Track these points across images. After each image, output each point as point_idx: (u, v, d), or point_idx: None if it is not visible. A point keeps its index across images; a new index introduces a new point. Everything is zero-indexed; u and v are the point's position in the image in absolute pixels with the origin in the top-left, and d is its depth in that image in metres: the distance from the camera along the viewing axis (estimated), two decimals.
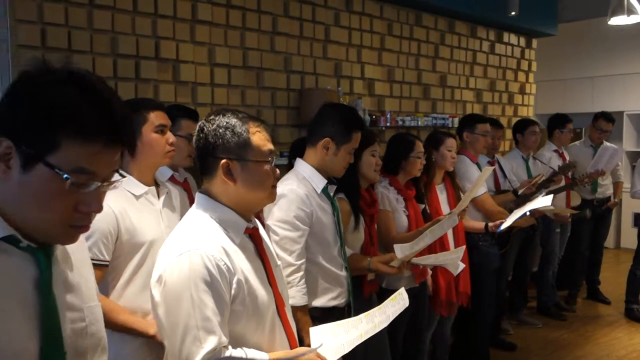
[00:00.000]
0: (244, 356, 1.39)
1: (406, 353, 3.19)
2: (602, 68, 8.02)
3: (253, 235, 1.56)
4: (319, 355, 1.48)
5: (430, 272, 3.18)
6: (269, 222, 2.23)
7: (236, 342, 1.42)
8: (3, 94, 0.97)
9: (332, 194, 2.38)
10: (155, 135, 2.05)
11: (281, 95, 4.37)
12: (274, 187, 1.55)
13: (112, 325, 1.92)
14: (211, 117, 1.50)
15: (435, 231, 2.48)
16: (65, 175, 0.93)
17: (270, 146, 1.52)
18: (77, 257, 1.12)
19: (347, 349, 1.53)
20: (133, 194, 2.04)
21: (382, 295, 2.74)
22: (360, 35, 4.94)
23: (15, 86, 0.95)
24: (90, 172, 0.95)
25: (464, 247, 2.65)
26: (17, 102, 0.94)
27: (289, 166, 2.80)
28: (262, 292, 1.49)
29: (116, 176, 1.02)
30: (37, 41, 3.18)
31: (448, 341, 3.71)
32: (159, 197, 2.12)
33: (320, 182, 2.30)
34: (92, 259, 1.90)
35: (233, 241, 1.47)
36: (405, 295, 1.76)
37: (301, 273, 2.20)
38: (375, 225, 2.86)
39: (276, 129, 4.33)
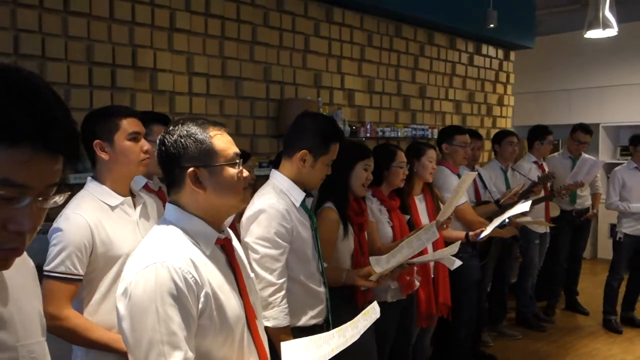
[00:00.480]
0: None
1: None
2: (578, 81, 8.14)
3: (225, 246, 1.52)
4: None
5: (417, 284, 3.14)
6: (247, 239, 2.12)
7: (203, 358, 1.38)
8: None
9: (309, 206, 2.31)
10: (129, 143, 1.98)
11: (260, 105, 4.33)
12: (246, 189, 1.52)
13: (87, 342, 1.87)
14: (170, 129, 1.48)
15: (412, 242, 2.39)
16: None
17: (234, 149, 1.50)
18: (17, 286, 0.99)
19: None
20: (108, 205, 1.98)
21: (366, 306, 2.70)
22: (340, 45, 4.94)
23: None
24: (18, 184, 0.80)
25: (459, 241, 2.58)
26: None
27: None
28: (232, 304, 1.45)
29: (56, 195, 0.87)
30: (10, 48, 3.11)
31: (428, 352, 3.68)
32: (135, 207, 2.06)
33: (298, 195, 2.21)
34: (65, 273, 1.86)
35: (203, 253, 1.44)
36: (377, 309, 1.72)
37: (283, 292, 2.10)
38: (365, 234, 2.82)
39: (255, 139, 4.28)
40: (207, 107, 4.01)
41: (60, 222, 1.91)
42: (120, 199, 2.00)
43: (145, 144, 2.02)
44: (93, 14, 3.41)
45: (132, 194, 2.10)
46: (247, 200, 1.55)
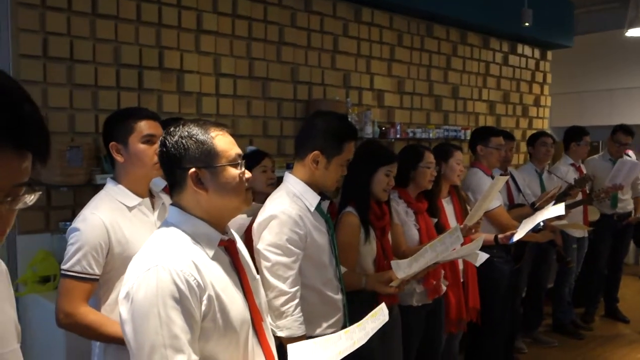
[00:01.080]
0: None
1: None
2: (619, 80, 7.85)
3: (229, 248, 1.49)
4: None
5: (444, 288, 3.04)
6: (259, 246, 2.06)
7: None
8: None
9: (325, 209, 2.22)
10: (143, 145, 1.97)
11: (288, 106, 4.30)
12: (249, 190, 1.49)
13: (103, 337, 1.88)
14: (171, 130, 1.46)
15: (435, 246, 2.28)
16: None
17: (236, 149, 1.47)
18: None
19: None
20: (126, 206, 1.98)
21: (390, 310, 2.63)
22: (370, 45, 4.87)
23: None
24: None
25: (483, 236, 2.47)
26: None
27: None
28: (236, 306, 1.42)
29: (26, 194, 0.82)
30: (39, 50, 3.15)
31: (457, 357, 3.57)
32: (153, 208, 2.05)
33: (313, 199, 2.13)
34: (81, 273, 1.87)
35: (206, 255, 1.41)
36: (386, 311, 1.65)
37: (296, 301, 2.02)
38: (389, 238, 2.74)
39: (282, 140, 4.26)
40: (234, 108, 4.00)
41: (77, 222, 1.93)
42: (137, 199, 2.00)
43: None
44: (120, 16, 3.44)
45: (152, 195, 2.09)
46: (249, 201, 1.51)
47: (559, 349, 4.64)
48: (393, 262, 2.25)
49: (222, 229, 1.49)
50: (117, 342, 1.85)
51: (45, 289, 2.89)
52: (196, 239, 1.42)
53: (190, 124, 1.46)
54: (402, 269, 2.22)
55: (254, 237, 2.10)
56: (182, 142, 1.42)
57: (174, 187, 1.47)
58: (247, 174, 1.48)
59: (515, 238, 3.10)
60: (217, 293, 1.38)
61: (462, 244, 2.38)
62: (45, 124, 0.82)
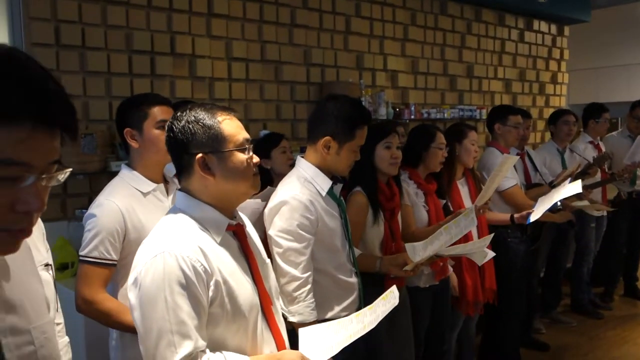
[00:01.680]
0: None
1: (428, 354, 3.07)
2: (638, 55, 7.69)
3: (237, 232, 1.49)
4: (303, 358, 1.41)
5: (451, 269, 3.03)
6: (270, 232, 2.06)
7: (216, 346, 1.36)
8: None
9: (338, 193, 2.21)
10: (157, 131, 1.98)
11: (301, 89, 4.27)
12: (256, 175, 1.48)
13: (120, 325, 1.90)
14: (178, 114, 1.45)
15: (450, 229, 2.26)
16: None
17: (244, 134, 1.46)
18: (20, 267, 0.97)
19: (335, 351, 1.44)
20: (140, 191, 2.00)
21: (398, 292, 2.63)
22: (383, 25, 4.81)
23: None
24: (20, 162, 0.78)
25: (492, 235, 2.44)
26: None
27: None
28: (245, 291, 1.43)
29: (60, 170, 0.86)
30: (51, 39, 3.16)
31: (473, 339, 3.57)
32: (168, 194, 2.06)
33: (325, 183, 2.11)
34: (99, 258, 1.89)
35: (214, 240, 1.41)
36: (397, 294, 1.63)
37: (308, 287, 2.02)
38: (398, 220, 2.72)
39: (296, 123, 4.24)
40: (246, 92, 3.99)
41: (93, 208, 1.95)
42: (152, 185, 2.02)
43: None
44: (131, 2, 3.43)
45: (166, 181, 2.10)
46: (257, 186, 1.50)
47: (577, 329, 4.62)
48: (408, 246, 2.22)
49: (231, 213, 1.49)
50: (134, 331, 1.88)
51: (63, 277, 2.92)
52: (204, 224, 1.42)
53: (197, 108, 1.45)
54: (418, 252, 2.20)
55: (266, 223, 2.11)
56: (189, 127, 1.42)
57: (181, 173, 1.47)
58: (255, 159, 1.47)
59: (533, 218, 3.05)
60: (224, 278, 1.38)
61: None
62: (72, 101, 0.84)
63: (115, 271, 1.95)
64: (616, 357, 4.08)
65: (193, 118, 1.42)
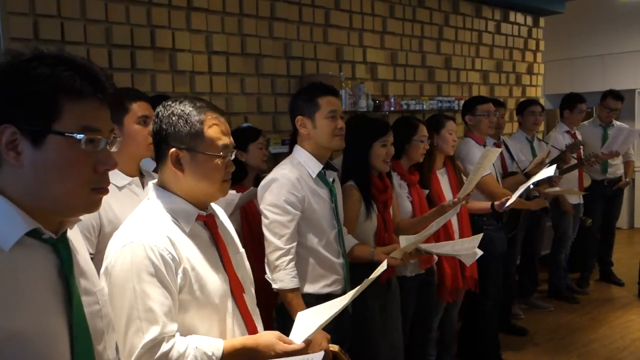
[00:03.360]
0: (191, 344, 1.37)
1: (414, 341, 3.14)
2: (612, 45, 7.85)
3: (207, 222, 1.53)
4: (280, 337, 1.46)
5: (436, 258, 3.11)
6: (261, 206, 2.25)
7: (186, 332, 1.41)
8: None
9: (331, 179, 2.36)
10: (137, 126, 2.02)
11: (281, 82, 4.30)
12: (225, 181, 1.51)
13: None
14: (168, 103, 1.48)
15: (440, 222, 2.42)
16: (78, 136, 0.96)
17: (225, 140, 1.48)
18: (77, 243, 1.12)
19: (316, 329, 1.49)
20: (115, 185, 2.01)
21: (389, 282, 2.72)
22: (362, 18, 4.85)
23: None
24: (96, 129, 0.99)
25: (481, 235, 2.53)
26: (5, 84, 0.94)
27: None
28: (214, 279, 1.46)
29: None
30: (30, 33, 3.13)
31: (455, 326, 3.65)
32: (143, 187, 2.09)
33: (315, 166, 2.29)
34: None
35: (183, 230, 1.45)
36: (385, 265, 1.72)
37: (290, 257, 2.19)
38: (390, 211, 2.79)
39: (277, 116, 4.26)
40: (227, 85, 4.00)
41: None
42: (127, 179, 2.04)
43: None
44: None
45: (142, 174, 2.13)
46: (225, 191, 1.53)
47: (554, 314, 4.75)
48: (402, 238, 2.38)
49: (203, 206, 1.51)
50: None
51: None
52: (174, 214, 1.45)
53: (187, 102, 1.47)
54: (409, 241, 2.33)
55: (259, 199, 2.27)
56: (172, 118, 1.45)
57: (158, 160, 1.51)
58: (231, 167, 1.50)
59: (509, 203, 3.14)
60: (192, 266, 1.42)
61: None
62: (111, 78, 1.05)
63: None
64: (592, 339, 4.20)
65: (179, 111, 1.45)
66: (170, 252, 1.38)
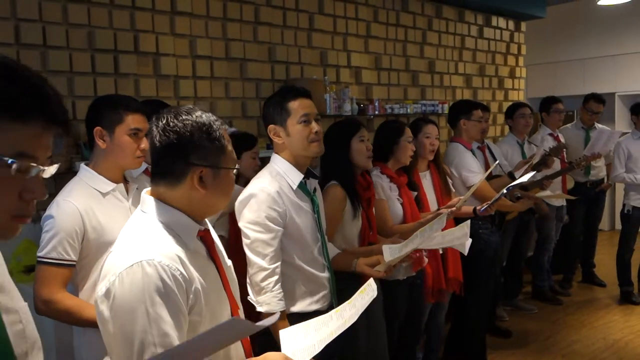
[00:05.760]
0: None
1: (403, 343, 3.15)
2: (592, 50, 7.97)
3: (204, 237, 1.45)
4: (286, 358, 1.37)
5: (426, 260, 3.11)
6: (240, 224, 2.11)
7: None
8: None
9: (312, 189, 2.24)
10: (128, 138, 2.00)
11: (266, 86, 4.29)
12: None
13: (82, 321, 1.89)
14: (183, 117, 1.35)
15: (425, 232, 2.31)
16: (9, 160, 0.87)
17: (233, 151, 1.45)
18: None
19: (317, 349, 1.43)
20: (99, 191, 2.01)
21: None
22: (346, 22, 4.86)
23: None
24: (32, 156, 0.90)
25: (468, 221, 2.48)
26: None
27: None
28: (216, 297, 1.41)
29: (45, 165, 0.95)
30: (11, 38, 3.10)
31: (442, 330, 3.66)
32: (127, 194, 2.08)
33: (296, 177, 2.15)
34: (57, 259, 1.88)
35: (186, 247, 1.36)
36: (374, 286, 1.66)
37: (276, 277, 2.05)
38: (373, 210, 2.79)
39: (262, 121, 4.22)
40: (212, 90, 3.99)
41: (51, 209, 1.95)
42: (111, 185, 2.03)
43: (144, 143, 2.02)
44: (93, 0, 3.39)
45: (126, 181, 2.11)
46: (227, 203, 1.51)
47: (538, 315, 4.79)
48: (385, 247, 2.26)
49: (201, 219, 1.44)
50: (96, 325, 1.88)
51: (30, 279, 2.88)
52: (175, 229, 1.36)
53: (200, 112, 1.38)
54: (393, 254, 2.24)
55: (237, 215, 2.14)
56: (194, 133, 1.33)
57: (165, 177, 1.37)
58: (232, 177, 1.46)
59: (484, 207, 3.16)
60: (202, 284, 1.34)
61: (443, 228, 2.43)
62: (62, 99, 0.96)
63: (74, 272, 1.95)
64: (575, 340, 4.25)
65: (200, 124, 1.35)
66: (182, 272, 1.28)
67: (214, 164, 1.36)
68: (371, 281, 1.67)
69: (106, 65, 3.46)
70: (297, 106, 2.11)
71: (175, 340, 1.24)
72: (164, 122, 1.36)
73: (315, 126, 2.13)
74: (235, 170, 1.43)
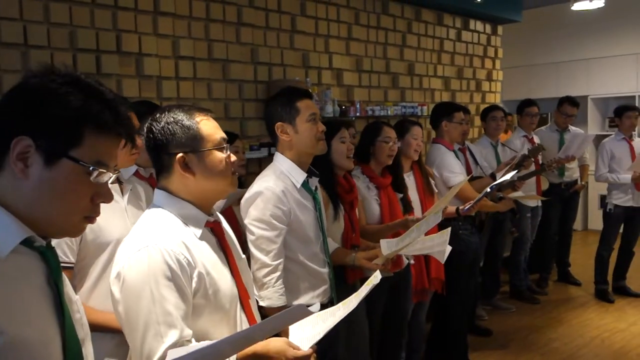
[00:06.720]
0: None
1: (385, 345, 3.17)
2: (565, 53, 8.15)
3: (214, 229, 1.55)
4: (289, 344, 1.48)
5: (406, 261, 3.15)
6: (245, 221, 2.18)
7: (200, 337, 1.42)
8: (7, 93, 1.01)
9: (314, 187, 2.30)
10: None
11: (249, 88, 4.29)
12: (234, 173, 1.55)
13: None
14: (157, 116, 1.50)
15: (421, 226, 2.39)
16: (91, 168, 0.99)
17: (221, 134, 1.52)
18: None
19: (321, 335, 1.53)
20: None
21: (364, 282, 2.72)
22: (328, 24, 4.89)
23: (27, 86, 0.98)
24: (106, 164, 1.02)
25: (449, 229, 2.55)
26: (35, 101, 0.97)
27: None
28: (225, 285, 1.49)
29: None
30: None
31: (423, 329, 3.70)
32: (122, 194, 2.06)
33: (299, 176, 2.22)
34: None
35: (194, 235, 1.47)
36: (379, 275, 1.74)
37: (278, 273, 2.14)
38: (357, 211, 2.82)
39: (244, 122, 4.26)
40: (194, 90, 3.97)
41: None
42: None
43: (136, 139, 2.01)
44: None
45: (120, 181, 2.10)
46: (235, 184, 1.57)
47: (516, 314, 4.88)
48: (382, 241, 2.35)
49: (208, 210, 1.54)
50: (98, 329, 1.87)
51: None
52: (184, 219, 1.47)
53: (175, 109, 1.50)
54: (391, 247, 2.31)
55: (242, 213, 2.20)
56: (168, 127, 1.46)
57: (161, 172, 1.51)
58: (233, 157, 1.53)
59: (467, 207, 3.22)
60: (207, 270, 1.43)
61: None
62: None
63: (72, 274, 1.93)
64: (553, 338, 4.34)
65: (172, 119, 1.47)
66: (185, 257, 1.39)
67: (193, 149, 1.46)
68: (377, 273, 1.75)
69: (88, 65, 3.42)
70: (306, 106, 2.20)
71: (178, 319, 1.34)
72: (147, 125, 1.51)
73: (321, 125, 2.23)
74: (227, 154, 1.51)
